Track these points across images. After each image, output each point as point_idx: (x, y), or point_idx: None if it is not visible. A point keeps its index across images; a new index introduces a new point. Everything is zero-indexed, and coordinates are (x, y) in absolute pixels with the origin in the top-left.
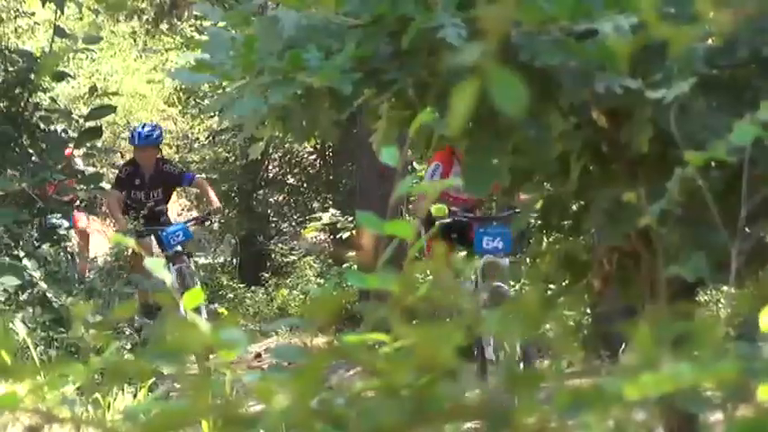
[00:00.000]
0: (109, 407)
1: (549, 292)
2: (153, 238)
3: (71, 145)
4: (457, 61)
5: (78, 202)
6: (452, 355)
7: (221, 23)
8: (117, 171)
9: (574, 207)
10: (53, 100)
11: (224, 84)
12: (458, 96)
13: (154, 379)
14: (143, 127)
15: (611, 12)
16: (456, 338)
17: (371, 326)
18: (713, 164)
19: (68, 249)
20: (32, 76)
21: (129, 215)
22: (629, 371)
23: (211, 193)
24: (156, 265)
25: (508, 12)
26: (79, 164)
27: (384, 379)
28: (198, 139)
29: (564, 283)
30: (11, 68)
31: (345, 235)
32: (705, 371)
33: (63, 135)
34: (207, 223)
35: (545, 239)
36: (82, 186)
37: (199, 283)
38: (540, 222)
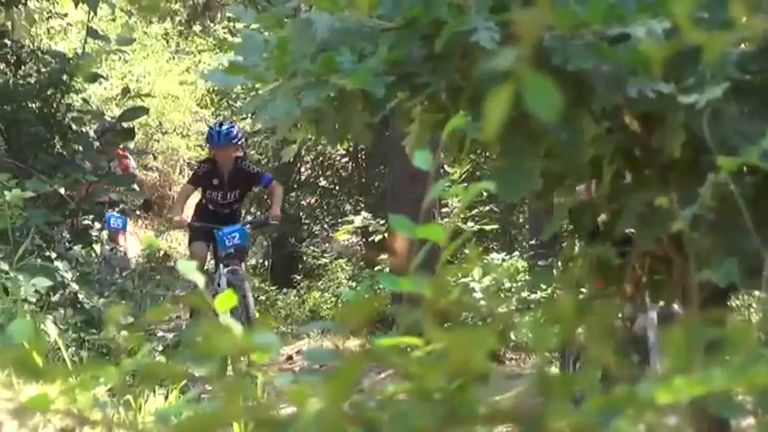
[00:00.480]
0: (140, 409)
1: (581, 297)
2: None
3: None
4: (491, 66)
5: (112, 206)
6: (484, 358)
7: (254, 26)
8: (194, 167)
9: (606, 212)
10: (85, 101)
11: (257, 86)
12: (492, 101)
13: (186, 381)
14: (220, 125)
15: (644, 16)
16: (488, 342)
17: (404, 329)
18: (745, 169)
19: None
20: (65, 78)
21: (202, 215)
22: (661, 375)
23: (279, 202)
24: (187, 267)
25: (542, 16)
26: (133, 165)
27: (416, 382)
28: None
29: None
30: (43, 69)
31: (377, 238)
32: (737, 376)
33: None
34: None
35: (577, 244)
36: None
37: (249, 287)
38: (572, 227)
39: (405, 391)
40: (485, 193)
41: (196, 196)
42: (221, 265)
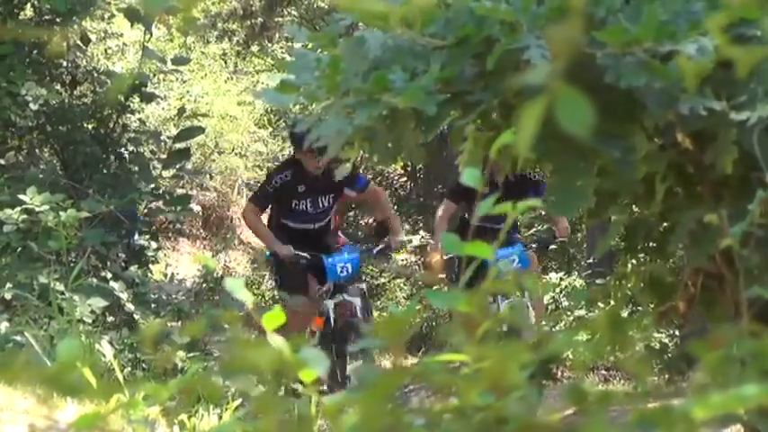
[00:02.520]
0: (194, 429)
1: (636, 314)
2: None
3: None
4: (524, 81)
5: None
6: (519, 374)
7: (310, 45)
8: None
9: (659, 229)
10: (142, 122)
11: (313, 105)
12: (525, 116)
13: (241, 400)
14: None
15: (695, 33)
16: (524, 359)
17: (455, 347)
18: None
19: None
20: (120, 98)
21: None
22: (698, 391)
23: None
24: (235, 285)
25: (575, 31)
26: None
27: (460, 399)
28: None
29: (650, 305)
30: (99, 90)
31: None
32: None
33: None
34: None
35: (630, 261)
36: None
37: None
38: (625, 244)
39: (449, 408)
40: (543, 212)
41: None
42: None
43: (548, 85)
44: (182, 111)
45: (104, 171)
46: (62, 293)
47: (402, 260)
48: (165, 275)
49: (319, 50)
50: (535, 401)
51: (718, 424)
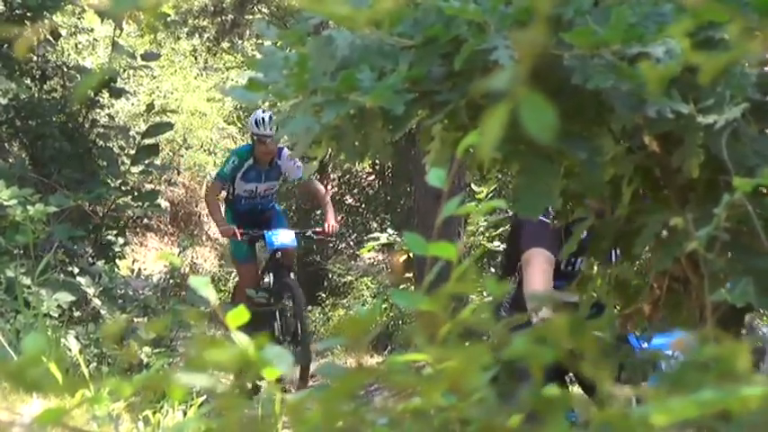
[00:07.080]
0: (158, 424)
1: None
2: None
3: None
4: (488, 85)
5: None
6: (481, 376)
7: (279, 42)
8: None
9: (625, 231)
10: (111, 117)
11: (281, 103)
12: (489, 120)
13: (205, 397)
14: None
15: (664, 36)
16: (485, 360)
17: (419, 346)
18: (764, 190)
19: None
20: (90, 93)
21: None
22: (657, 396)
23: None
24: (199, 282)
25: (540, 35)
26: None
27: (422, 400)
28: None
29: (615, 308)
30: (69, 84)
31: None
32: (731, 396)
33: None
34: None
35: (596, 263)
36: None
37: None
38: (591, 246)
39: (412, 408)
40: (510, 213)
41: None
42: None
43: (511, 89)
44: (151, 107)
45: (73, 166)
46: (29, 287)
47: (369, 258)
48: (132, 271)
49: (288, 48)
50: (496, 403)
51: (677, 429)
